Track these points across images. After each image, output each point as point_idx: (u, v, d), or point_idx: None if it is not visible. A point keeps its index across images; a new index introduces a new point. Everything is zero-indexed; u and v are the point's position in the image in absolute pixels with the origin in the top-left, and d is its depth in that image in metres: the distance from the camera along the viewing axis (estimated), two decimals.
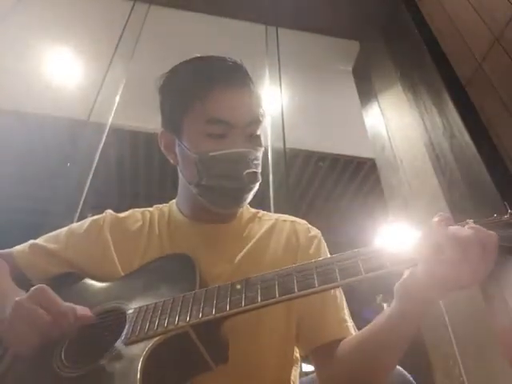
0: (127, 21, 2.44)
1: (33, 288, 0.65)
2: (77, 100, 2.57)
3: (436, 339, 1.69)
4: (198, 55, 0.86)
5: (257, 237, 0.87)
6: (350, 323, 0.80)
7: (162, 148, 0.89)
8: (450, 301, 1.68)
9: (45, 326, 0.61)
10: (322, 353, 0.78)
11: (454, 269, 0.52)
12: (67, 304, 0.66)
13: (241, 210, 0.91)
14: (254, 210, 0.95)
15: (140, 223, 0.89)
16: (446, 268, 0.52)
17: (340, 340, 0.76)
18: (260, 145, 0.82)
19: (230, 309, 0.58)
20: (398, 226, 2.07)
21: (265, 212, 0.95)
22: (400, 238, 0.57)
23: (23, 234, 0.92)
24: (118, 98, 2.21)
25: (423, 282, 0.55)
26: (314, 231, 0.91)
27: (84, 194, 1.84)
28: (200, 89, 0.79)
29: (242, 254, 0.83)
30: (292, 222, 0.92)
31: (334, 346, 0.76)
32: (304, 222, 0.93)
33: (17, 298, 0.64)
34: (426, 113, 1.98)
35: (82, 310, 0.67)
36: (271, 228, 0.89)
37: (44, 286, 0.65)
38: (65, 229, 0.89)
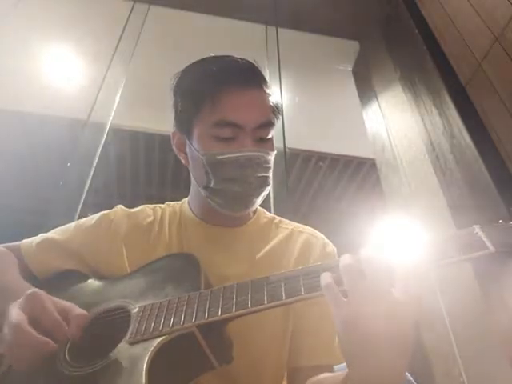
0: (127, 21, 2.44)
1: (25, 296, 0.63)
2: (77, 100, 2.57)
3: (436, 339, 1.69)
4: (212, 54, 0.84)
5: (273, 243, 0.86)
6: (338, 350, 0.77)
7: (174, 148, 0.87)
8: (449, 301, 1.68)
9: (44, 348, 0.60)
10: (302, 375, 0.75)
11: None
12: (63, 305, 0.64)
13: (256, 214, 0.90)
14: (270, 215, 0.93)
15: (151, 219, 0.88)
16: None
17: (325, 366, 0.74)
18: (271, 149, 0.79)
19: (236, 310, 0.58)
20: (398, 226, 2.07)
21: (281, 218, 0.93)
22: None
23: (24, 233, 0.91)
24: (117, 98, 2.21)
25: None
26: (330, 248, 0.88)
27: (84, 194, 1.84)
28: (209, 90, 0.76)
29: (258, 256, 0.82)
30: (308, 234, 0.89)
31: (316, 370, 0.73)
32: (321, 236, 0.90)
33: (13, 316, 0.61)
34: (426, 113, 1.98)
35: (76, 317, 0.64)
36: (288, 237, 0.87)
37: (36, 292, 0.63)
38: (74, 222, 0.89)
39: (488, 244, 0.52)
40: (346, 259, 0.53)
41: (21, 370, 0.63)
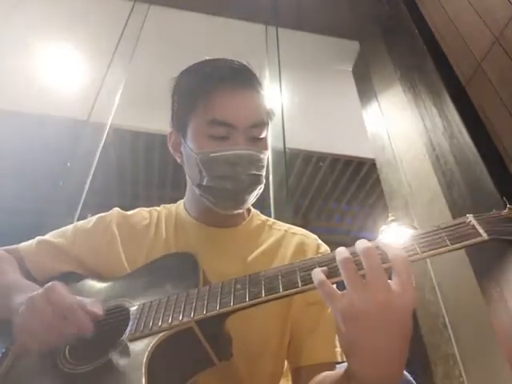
0: (127, 21, 2.44)
1: (46, 285, 0.64)
2: (77, 100, 2.57)
3: (436, 339, 1.69)
4: (208, 57, 0.86)
5: (266, 244, 0.87)
6: (339, 349, 0.77)
7: (170, 148, 0.89)
8: (449, 301, 1.68)
9: (56, 324, 0.61)
10: (305, 374, 0.76)
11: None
12: (79, 299, 0.65)
13: (250, 215, 0.91)
14: (263, 218, 0.94)
15: (147, 221, 0.89)
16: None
17: (327, 364, 0.75)
18: (264, 148, 0.81)
19: (234, 304, 0.58)
20: (398, 226, 2.07)
21: (274, 220, 0.95)
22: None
23: (23, 234, 0.92)
24: (117, 98, 2.21)
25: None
26: (324, 248, 0.89)
27: (84, 194, 1.84)
28: (204, 90, 0.79)
29: (251, 257, 0.83)
30: (301, 235, 0.90)
31: (318, 369, 0.74)
32: (314, 236, 0.91)
33: (29, 294, 0.63)
34: (426, 113, 1.98)
35: (92, 305, 0.65)
36: (280, 239, 0.88)
37: (56, 283, 0.64)
38: (71, 225, 0.90)
39: (481, 232, 0.53)
40: (342, 253, 0.54)
41: (20, 367, 0.62)
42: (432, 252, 0.54)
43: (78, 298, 0.65)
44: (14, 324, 0.63)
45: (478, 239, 0.53)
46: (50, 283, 0.64)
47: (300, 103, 2.86)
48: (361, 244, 0.53)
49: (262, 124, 0.80)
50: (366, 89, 2.63)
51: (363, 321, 0.49)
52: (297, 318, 0.80)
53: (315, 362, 0.76)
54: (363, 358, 0.52)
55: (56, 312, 0.60)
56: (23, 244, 0.86)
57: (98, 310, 0.65)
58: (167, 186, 3.70)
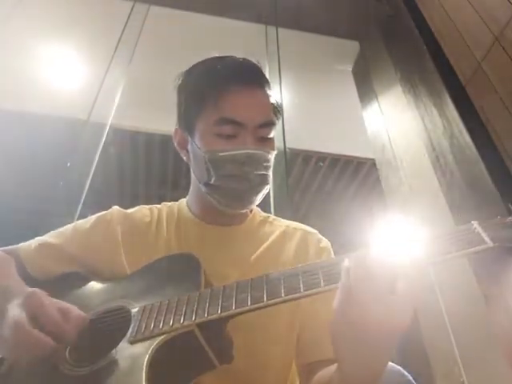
0: (127, 21, 2.44)
1: (24, 295, 0.63)
2: (77, 100, 2.57)
3: (436, 339, 1.69)
4: (213, 54, 0.86)
5: (270, 240, 0.86)
6: None
7: (176, 145, 0.89)
8: (449, 301, 1.68)
9: (43, 346, 0.60)
10: (314, 370, 0.75)
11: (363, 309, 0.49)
12: (62, 306, 0.64)
13: (252, 212, 0.91)
14: (265, 214, 0.94)
15: (148, 219, 0.88)
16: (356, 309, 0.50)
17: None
18: (272, 148, 0.81)
19: (235, 308, 0.58)
20: (398, 226, 2.07)
21: (274, 217, 0.95)
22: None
23: (23, 234, 0.91)
24: (117, 98, 2.21)
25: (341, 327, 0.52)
26: (324, 242, 0.89)
27: (84, 194, 1.84)
28: (212, 88, 0.78)
29: (256, 255, 0.83)
30: (303, 231, 0.90)
31: (327, 365, 0.74)
32: (315, 231, 0.92)
33: (12, 315, 0.61)
34: (426, 113, 1.98)
35: (75, 317, 0.64)
36: (283, 234, 0.88)
37: (36, 292, 0.63)
38: (71, 225, 0.89)
39: (486, 239, 0.53)
40: (354, 259, 0.53)
41: (21, 369, 0.63)
42: (436, 260, 0.53)
43: (59, 304, 0.64)
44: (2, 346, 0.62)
45: (483, 246, 0.52)
46: (28, 293, 0.63)
47: (300, 103, 2.86)
48: (371, 251, 0.52)
49: (270, 123, 0.80)
50: (366, 89, 2.63)
51: (361, 327, 0.50)
52: (305, 315, 0.80)
53: (325, 357, 0.75)
54: (355, 359, 0.53)
55: (39, 327, 0.59)
56: (22, 245, 0.86)
57: (81, 316, 0.64)
58: (167, 186, 3.70)
